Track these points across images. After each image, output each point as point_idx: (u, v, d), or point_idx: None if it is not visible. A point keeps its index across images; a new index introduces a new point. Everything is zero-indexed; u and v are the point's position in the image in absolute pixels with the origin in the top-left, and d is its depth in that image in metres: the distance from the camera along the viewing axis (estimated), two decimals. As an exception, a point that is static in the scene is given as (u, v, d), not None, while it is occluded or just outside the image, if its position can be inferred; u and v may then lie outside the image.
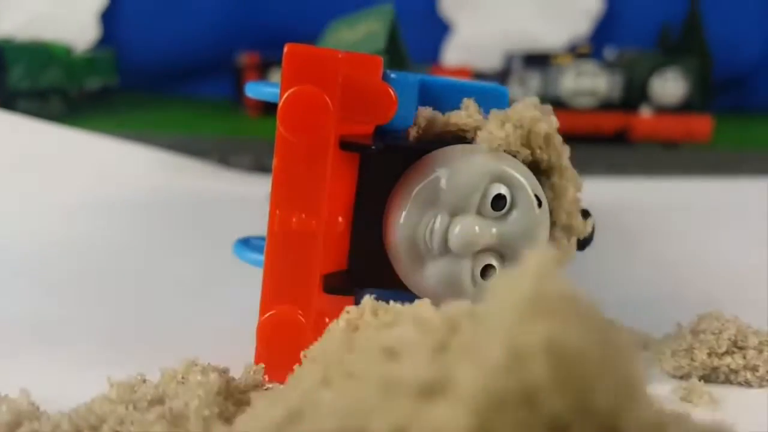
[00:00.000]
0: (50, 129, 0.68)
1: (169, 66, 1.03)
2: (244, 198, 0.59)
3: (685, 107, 0.86)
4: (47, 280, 0.41)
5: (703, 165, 0.77)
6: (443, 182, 0.28)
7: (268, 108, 0.99)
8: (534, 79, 0.88)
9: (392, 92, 0.27)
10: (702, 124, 0.85)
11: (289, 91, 0.25)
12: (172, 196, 0.59)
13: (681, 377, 0.30)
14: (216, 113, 1.01)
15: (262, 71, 0.98)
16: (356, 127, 0.28)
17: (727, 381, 0.30)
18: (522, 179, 0.28)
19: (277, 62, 0.98)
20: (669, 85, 0.86)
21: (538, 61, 0.89)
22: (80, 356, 0.32)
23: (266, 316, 0.28)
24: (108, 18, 1.02)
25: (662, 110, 0.86)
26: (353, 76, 0.26)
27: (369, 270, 0.30)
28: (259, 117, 0.98)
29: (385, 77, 0.29)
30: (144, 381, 0.26)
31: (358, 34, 0.62)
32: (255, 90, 0.36)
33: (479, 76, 0.87)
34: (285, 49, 0.26)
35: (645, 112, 0.85)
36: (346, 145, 0.27)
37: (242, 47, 1.00)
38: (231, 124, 0.96)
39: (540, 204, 0.29)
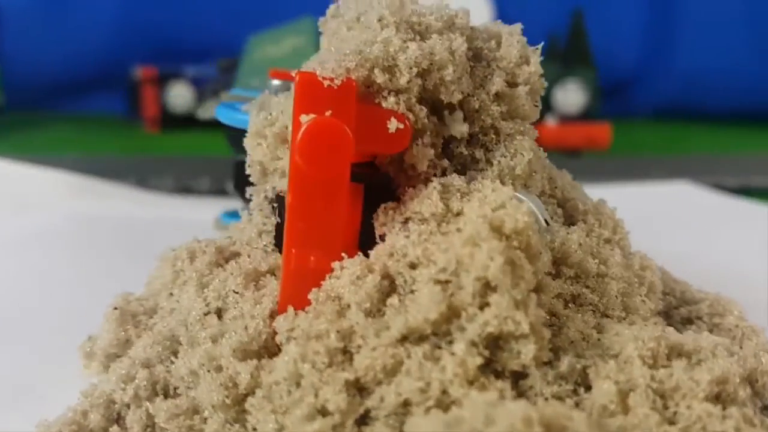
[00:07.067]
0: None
1: (59, 81, 0.96)
2: (166, 220, 0.56)
3: (586, 116, 0.90)
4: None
5: (604, 171, 0.80)
6: None
7: (167, 123, 0.94)
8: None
9: (409, 120, 0.25)
10: (602, 132, 0.88)
11: (308, 121, 0.23)
12: (91, 221, 0.54)
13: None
14: (112, 130, 0.95)
15: (160, 85, 0.93)
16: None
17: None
18: (531, 204, 0.28)
19: (177, 75, 0.94)
20: (570, 95, 0.89)
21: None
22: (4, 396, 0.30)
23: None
24: (-11, 31, 0.94)
25: (565, 119, 0.89)
26: (364, 104, 0.25)
27: None
28: (159, 133, 0.94)
29: None
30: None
31: (284, 49, 0.60)
32: (227, 115, 0.34)
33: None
34: (296, 77, 0.24)
35: (550, 122, 0.88)
36: (354, 176, 0.26)
37: (137, 60, 0.95)
38: (131, 141, 0.90)
39: (547, 224, 0.29)
